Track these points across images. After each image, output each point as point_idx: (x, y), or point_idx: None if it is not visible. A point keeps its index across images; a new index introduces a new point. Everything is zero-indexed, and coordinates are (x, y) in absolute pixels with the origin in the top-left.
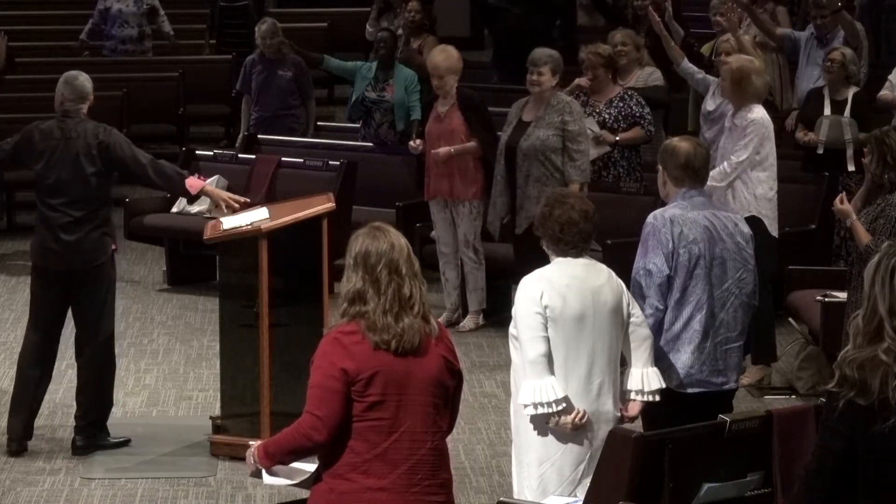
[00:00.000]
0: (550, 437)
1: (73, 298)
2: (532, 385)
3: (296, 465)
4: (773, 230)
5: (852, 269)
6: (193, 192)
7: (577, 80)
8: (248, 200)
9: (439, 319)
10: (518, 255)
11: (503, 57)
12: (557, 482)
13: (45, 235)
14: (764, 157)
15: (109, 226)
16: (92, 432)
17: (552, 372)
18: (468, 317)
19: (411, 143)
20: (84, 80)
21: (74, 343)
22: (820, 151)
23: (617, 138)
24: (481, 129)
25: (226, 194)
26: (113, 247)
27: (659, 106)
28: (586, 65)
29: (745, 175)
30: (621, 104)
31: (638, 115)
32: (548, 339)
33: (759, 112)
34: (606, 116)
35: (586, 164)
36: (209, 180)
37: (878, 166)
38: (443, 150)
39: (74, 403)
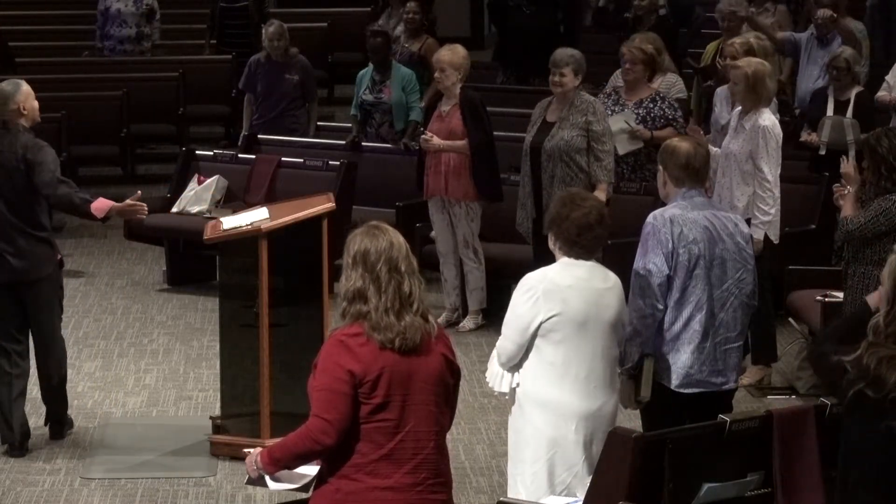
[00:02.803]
0: (545, 437)
1: (29, 309)
2: (498, 371)
3: (297, 469)
4: (774, 235)
5: (847, 269)
6: (100, 215)
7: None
8: (146, 210)
9: (439, 319)
10: (538, 256)
11: (507, 56)
12: (549, 482)
13: None
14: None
15: (51, 233)
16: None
17: (514, 369)
18: (468, 317)
19: (423, 136)
20: (10, 90)
21: (36, 356)
22: (822, 152)
23: (651, 134)
24: (474, 130)
25: (127, 204)
26: (58, 256)
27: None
28: (626, 58)
29: (756, 178)
30: (651, 105)
31: (670, 117)
32: (523, 347)
33: (770, 118)
34: (633, 116)
35: (612, 164)
36: (209, 180)
37: (873, 175)
38: (435, 139)
39: (40, 407)
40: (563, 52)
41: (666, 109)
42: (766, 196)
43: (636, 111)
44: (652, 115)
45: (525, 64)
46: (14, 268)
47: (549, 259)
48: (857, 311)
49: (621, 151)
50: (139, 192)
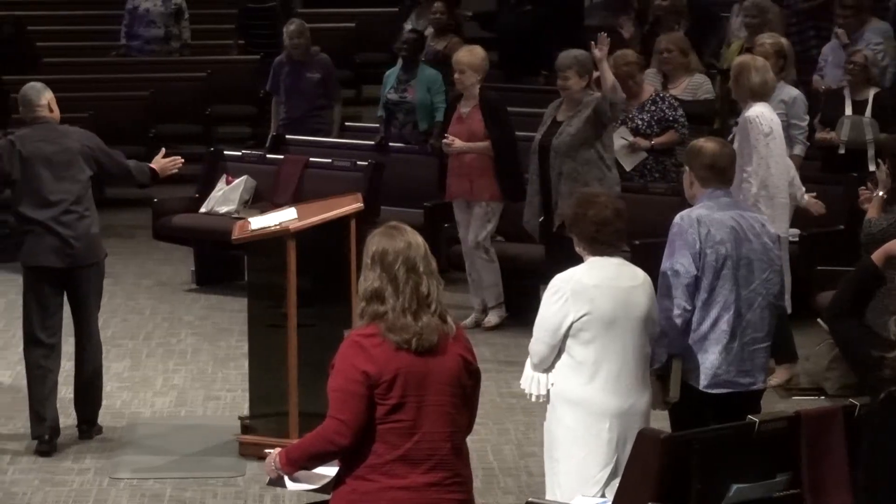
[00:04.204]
0: (577, 436)
1: (75, 297)
2: (532, 374)
3: (316, 470)
4: (782, 230)
5: None
6: (162, 175)
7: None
8: (181, 161)
9: (466, 321)
10: (549, 253)
11: (508, 56)
12: (581, 481)
13: (49, 237)
14: (766, 156)
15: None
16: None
17: (548, 370)
18: (490, 312)
19: (444, 140)
20: (40, 87)
21: (76, 343)
22: (841, 151)
23: (651, 143)
24: (495, 130)
25: (164, 161)
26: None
27: (706, 122)
28: (624, 73)
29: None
30: (654, 108)
31: (671, 118)
32: (555, 348)
33: (756, 109)
34: (640, 122)
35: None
36: (237, 181)
37: (893, 179)
38: (457, 142)
39: (78, 402)
40: (567, 55)
41: (666, 110)
42: (745, 186)
43: (641, 116)
44: (656, 117)
45: (522, 64)
46: (76, 251)
47: (559, 256)
48: (857, 270)
49: (627, 167)
50: (163, 149)
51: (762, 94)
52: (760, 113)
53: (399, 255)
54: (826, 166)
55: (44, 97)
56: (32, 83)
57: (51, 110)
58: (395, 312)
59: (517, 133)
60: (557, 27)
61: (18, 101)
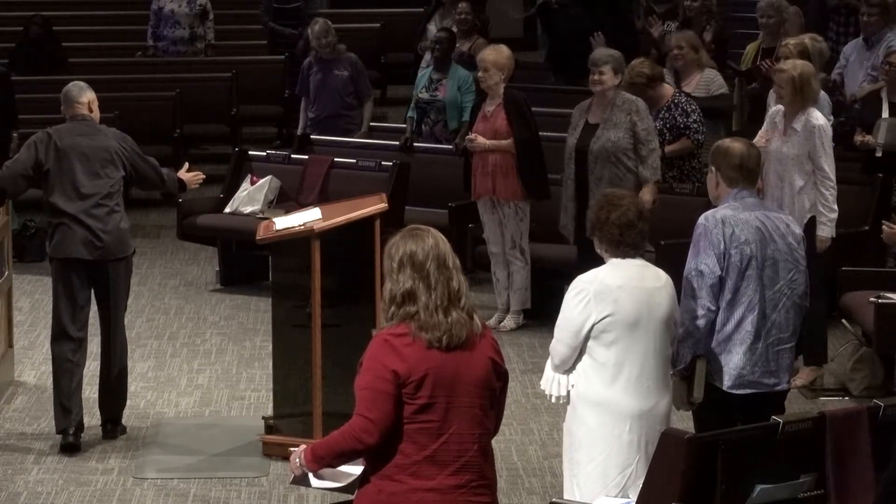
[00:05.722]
0: (598, 438)
1: (103, 291)
2: (552, 375)
3: (341, 468)
4: (832, 231)
5: None
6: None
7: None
8: (203, 177)
9: (490, 321)
10: (582, 257)
11: (558, 57)
12: (602, 483)
13: (79, 229)
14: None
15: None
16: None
17: (569, 372)
18: (509, 316)
19: (468, 137)
20: (83, 86)
21: (102, 340)
22: (878, 154)
23: (663, 152)
24: (519, 129)
25: (188, 175)
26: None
27: (721, 116)
28: (627, 83)
29: (817, 177)
30: (667, 115)
31: (682, 125)
32: (577, 349)
33: (821, 116)
34: None
35: (658, 162)
36: (262, 181)
37: None
38: (480, 139)
39: (103, 400)
40: (602, 52)
41: (678, 117)
42: (829, 194)
43: (655, 123)
44: (668, 125)
45: (573, 66)
46: (105, 244)
47: (592, 260)
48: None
49: None
50: (187, 163)
51: (816, 100)
52: (825, 119)
53: (429, 252)
54: (866, 168)
55: (85, 96)
56: (76, 82)
57: (90, 110)
58: (428, 310)
59: (563, 134)
60: (609, 28)
61: (61, 98)
